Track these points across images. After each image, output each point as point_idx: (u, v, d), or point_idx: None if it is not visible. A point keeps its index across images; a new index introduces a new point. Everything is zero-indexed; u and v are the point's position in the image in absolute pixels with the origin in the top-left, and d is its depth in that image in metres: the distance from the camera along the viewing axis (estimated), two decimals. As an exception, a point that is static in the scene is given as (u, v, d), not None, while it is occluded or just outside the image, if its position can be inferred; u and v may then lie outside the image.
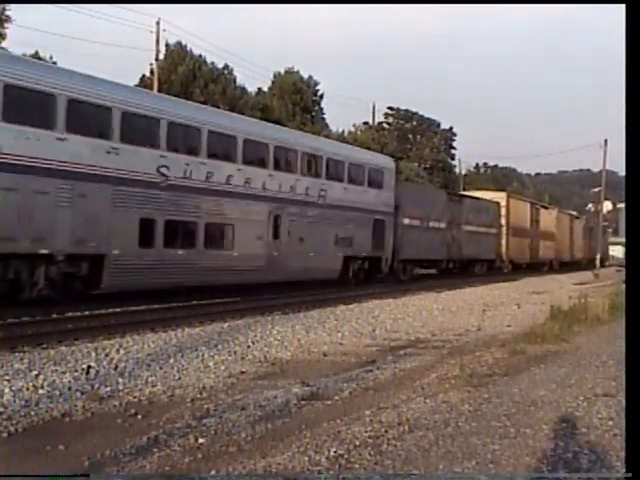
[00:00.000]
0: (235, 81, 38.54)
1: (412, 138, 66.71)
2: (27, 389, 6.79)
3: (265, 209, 17.23)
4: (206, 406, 6.53)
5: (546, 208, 45.98)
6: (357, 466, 4.41)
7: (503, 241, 34.82)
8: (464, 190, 56.63)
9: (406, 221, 24.12)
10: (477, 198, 33.68)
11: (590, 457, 4.53)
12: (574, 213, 59.50)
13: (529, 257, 39.08)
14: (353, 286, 20.53)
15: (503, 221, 34.77)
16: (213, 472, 4.63)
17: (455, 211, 28.91)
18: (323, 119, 49.85)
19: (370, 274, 22.16)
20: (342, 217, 20.21)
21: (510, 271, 35.27)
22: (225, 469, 4.64)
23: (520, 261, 38.15)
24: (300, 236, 18.39)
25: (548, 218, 43.76)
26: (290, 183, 18.21)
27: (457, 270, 29.97)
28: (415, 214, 25.01)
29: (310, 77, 47.24)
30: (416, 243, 24.75)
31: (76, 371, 7.66)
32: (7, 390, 6.68)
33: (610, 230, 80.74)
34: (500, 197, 35.97)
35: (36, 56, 32.23)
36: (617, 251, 74.30)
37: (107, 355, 8.68)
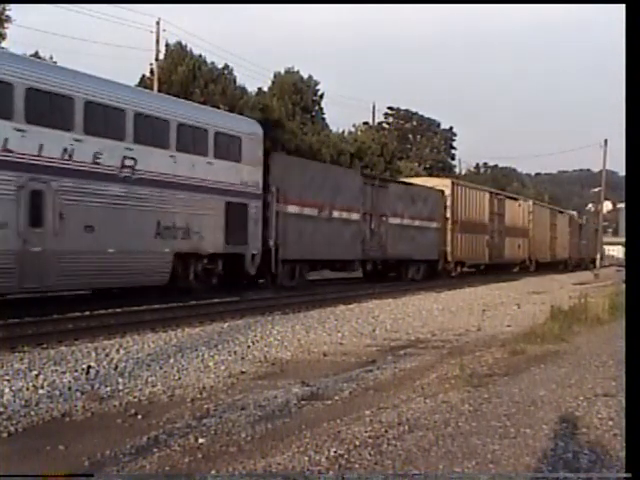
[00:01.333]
0: (235, 81, 38.49)
1: (412, 138, 66.77)
2: (27, 389, 6.79)
3: (10, 180, 11.49)
4: (206, 406, 6.53)
5: (514, 199, 38.62)
6: (357, 466, 4.41)
7: (448, 238, 28.03)
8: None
9: (292, 209, 18.34)
10: (409, 184, 27.33)
11: (590, 457, 4.52)
12: (575, 213, 58.81)
13: (488, 257, 32.17)
14: (197, 294, 15.57)
15: (448, 213, 28.13)
16: (213, 472, 4.63)
17: (377, 199, 22.78)
18: (323, 119, 49.83)
19: (232, 277, 16.90)
20: (168, 198, 14.62)
21: (460, 275, 29.06)
22: (225, 469, 4.64)
23: (474, 262, 31.54)
24: (87, 224, 12.75)
25: (518, 211, 37.39)
26: (63, 144, 12.41)
27: (379, 274, 24.29)
28: (307, 200, 18.96)
29: (310, 77, 47.21)
30: (309, 238, 18.83)
31: (76, 371, 7.66)
32: (7, 390, 6.68)
33: (610, 230, 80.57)
34: (444, 185, 28.99)
35: (36, 56, 32.24)
36: (617, 251, 74.26)
37: (107, 355, 8.68)
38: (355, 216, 21.52)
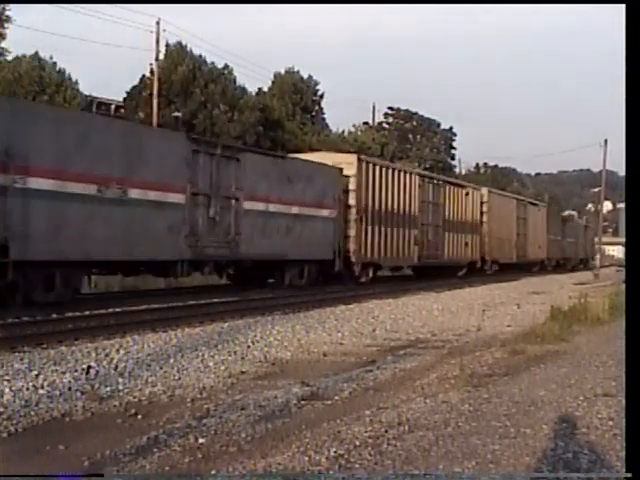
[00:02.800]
0: (235, 81, 38.51)
1: (412, 138, 66.71)
2: (27, 389, 6.78)
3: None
4: (206, 406, 6.53)
5: (460, 186, 30.44)
6: (357, 466, 4.41)
7: (352, 231, 20.86)
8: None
9: (37, 183, 11.65)
10: (280, 156, 20.07)
11: (590, 457, 4.52)
12: (575, 212, 58.22)
13: (418, 257, 24.99)
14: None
15: (352, 199, 20.86)
16: (213, 472, 4.63)
17: (219, 175, 15.98)
18: (323, 119, 49.86)
19: None
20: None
21: (369, 281, 21.94)
22: (225, 469, 4.64)
23: (395, 264, 24.80)
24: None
25: (465, 201, 29.62)
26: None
27: (233, 279, 18.71)
28: (74, 171, 12.41)
29: (310, 77, 47.26)
30: (79, 229, 12.52)
31: (76, 371, 7.65)
32: (7, 390, 6.68)
33: (610, 230, 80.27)
34: (346, 161, 21.26)
35: (36, 56, 32.28)
36: (617, 251, 74.22)
37: (107, 355, 8.68)
38: (175, 197, 14.70)
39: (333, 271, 20.24)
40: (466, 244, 29.58)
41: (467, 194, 30.00)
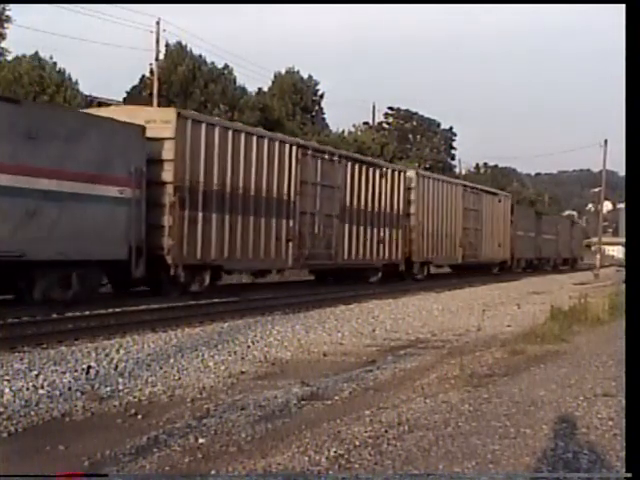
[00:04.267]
0: (235, 81, 38.52)
1: (412, 138, 66.72)
2: (27, 389, 6.78)
3: None
4: (206, 406, 6.53)
5: (375, 166, 22.90)
6: (357, 466, 4.41)
7: (165, 220, 14.63)
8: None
9: None
10: (12, 101, 12.76)
11: (590, 457, 4.52)
12: (575, 213, 57.34)
13: (293, 259, 18.43)
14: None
15: (168, 174, 14.62)
16: (213, 472, 4.63)
17: None
18: (323, 119, 49.88)
19: None
20: None
21: (205, 290, 15.76)
22: (225, 469, 4.64)
23: (248, 267, 18.04)
24: None
25: (383, 186, 22.69)
26: None
27: None
28: None
29: (310, 77, 47.27)
30: None
31: (76, 371, 7.65)
32: (7, 390, 6.68)
33: (610, 230, 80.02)
34: (161, 120, 14.76)
35: (36, 56, 32.24)
36: (617, 251, 74.19)
37: (107, 355, 8.67)
38: None
39: (130, 276, 13.84)
40: (379, 241, 22.38)
41: (383, 176, 22.66)
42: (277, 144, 17.77)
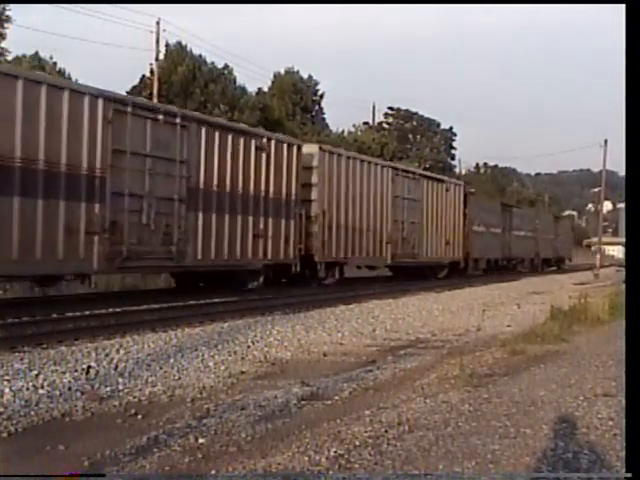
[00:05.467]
0: (235, 81, 38.53)
1: (412, 138, 66.73)
2: (27, 389, 6.78)
3: None
4: (206, 406, 6.53)
5: (252, 136, 17.02)
6: (357, 466, 4.41)
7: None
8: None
9: None
10: None
11: (590, 457, 4.52)
12: (575, 213, 56.13)
13: (110, 258, 12.83)
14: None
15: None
16: (213, 472, 4.63)
17: None
18: (323, 119, 49.88)
19: None
20: None
21: None
22: (225, 469, 4.64)
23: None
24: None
25: (264, 162, 16.99)
26: None
27: None
28: None
29: (310, 77, 47.27)
30: None
31: (76, 371, 7.65)
32: (7, 390, 6.68)
33: (610, 230, 79.82)
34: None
35: (36, 56, 32.26)
36: (617, 251, 74.12)
37: (107, 355, 8.67)
38: None
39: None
40: (257, 236, 16.69)
41: (262, 149, 16.81)
42: (65, 94, 11.98)
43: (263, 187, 16.95)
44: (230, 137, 15.98)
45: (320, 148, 19.60)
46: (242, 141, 16.34)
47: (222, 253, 15.75)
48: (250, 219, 16.58)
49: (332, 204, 19.49)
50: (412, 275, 25.45)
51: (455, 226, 27.90)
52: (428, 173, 29.56)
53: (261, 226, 16.89)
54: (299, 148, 18.34)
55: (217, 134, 15.60)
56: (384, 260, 22.91)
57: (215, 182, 15.52)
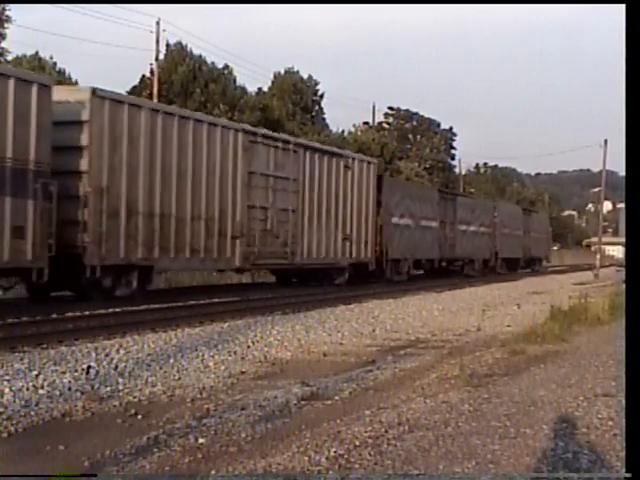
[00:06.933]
0: (235, 81, 38.53)
1: (412, 138, 66.67)
2: (27, 389, 6.78)
3: None
4: (206, 406, 6.53)
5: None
6: (357, 466, 4.41)
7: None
8: (463, 191, 56.40)
9: None
10: None
11: (590, 457, 4.52)
12: (575, 213, 54.97)
13: None
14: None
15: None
16: (213, 472, 4.63)
17: None
18: (323, 119, 49.84)
19: None
20: None
21: None
22: (225, 469, 4.64)
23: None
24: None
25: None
26: None
27: None
28: None
29: (310, 77, 47.24)
30: None
31: (76, 371, 7.65)
32: (7, 390, 6.68)
33: (610, 230, 79.78)
34: None
35: (36, 56, 32.26)
36: (617, 251, 74.09)
37: (107, 355, 8.67)
38: None
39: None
40: None
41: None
42: None
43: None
44: None
45: (94, 93, 13.01)
46: None
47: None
48: None
49: (120, 179, 13.56)
50: (306, 280, 20.40)
51: (362, 217, 21.27)
52: (313, 143, 22.42)
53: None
54: (49, 88, 11.97)
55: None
56: (229, 262, 16.42)
57: None
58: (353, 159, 21.47)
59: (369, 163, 22.49)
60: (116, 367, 8.00)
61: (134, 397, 6.84)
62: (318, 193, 19.35)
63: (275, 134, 19.53)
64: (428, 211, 26.44)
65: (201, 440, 5.40)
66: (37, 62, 31.99)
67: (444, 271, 28.47)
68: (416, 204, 25.49)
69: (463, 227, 29.72)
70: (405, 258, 24.38)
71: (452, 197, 30.24)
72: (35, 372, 7.48)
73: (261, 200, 17.25)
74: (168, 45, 35.59)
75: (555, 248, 73.84)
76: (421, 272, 27.20)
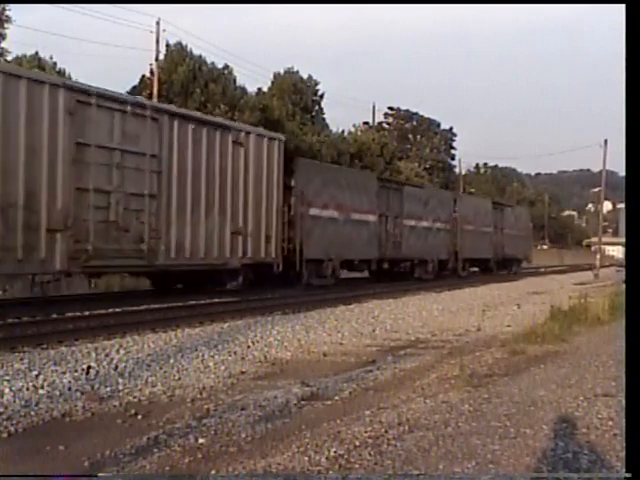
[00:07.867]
0: (235, 81, 38.50)
1: (412, 138, 66.71)
2: (27, 389, 6.79)
3: None
4: (206, 406, 6.53)
5: None
6: (357, 466, 4.41)
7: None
8: (463, 191, 56.41)
9: None
10: None
11: (590, 457, 4.52)
12: (575, 213, 54.95)
13: None
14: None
15: None
16: (213, 472, 4.63)
17: None
18: (323, 119, 49.83)
19: None
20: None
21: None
22: (225, 469, 4.64)
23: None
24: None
25: None
26: None
27: None
28: None
29: (310, 77, 47.23)
30: None
31: (76, 371, 7.66)
32: (7, 390, 6.69)
33: (610, 230, 79.66)
34: None
35: (36, 56, 32.23)
36: (617, 251, 74.08)
37: (107, 355, 8.68)
38: None
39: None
40: None
41: None
42: None
43: None
44: None
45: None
46: None
47: None
48: None
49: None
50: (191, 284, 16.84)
51: (262, 206, 17.03)
52: (183, 110, 17.52)
53: None
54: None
55: None
56: (44, 265, 11.90)
57: None
58: (247, 133, 16.87)
59: (272, 139, 17.70)
60: (116, 367, 8.00)
61: (134, 397, 6.84)
62: (193, 175, 14.85)
63: (122, 94, 15.25)
64: (363, 202, 22.03)
65: (201, 440, 5.40)
66: (37, 62, 31.98)
67: (388, 273, 24.20)
68: (345, 193, 21.07)
69: (412, 222, 25.26)
70: (329, 258, 20.01)
71: (397, 187, 25.29)
72: (35, 372, 7.48)
73: (99, 181, 12.74)
74: (168, 45, 35.58)
75: (545, 247, 73.00)
76: (358, 275, 23.38)
